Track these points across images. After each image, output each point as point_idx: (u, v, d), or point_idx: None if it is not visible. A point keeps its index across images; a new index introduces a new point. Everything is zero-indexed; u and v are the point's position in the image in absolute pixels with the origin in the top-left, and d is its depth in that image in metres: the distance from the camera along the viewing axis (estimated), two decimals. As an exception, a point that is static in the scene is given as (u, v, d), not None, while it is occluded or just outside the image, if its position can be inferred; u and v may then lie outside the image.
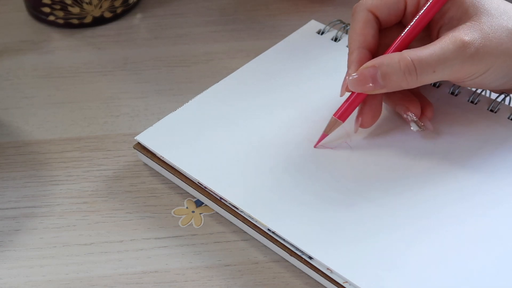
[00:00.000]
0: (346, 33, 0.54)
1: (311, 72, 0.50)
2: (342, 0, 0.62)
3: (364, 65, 0.42)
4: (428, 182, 0.42)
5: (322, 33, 0.54)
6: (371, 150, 0.44)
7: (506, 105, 0.47)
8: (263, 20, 0.61)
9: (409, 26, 0.43)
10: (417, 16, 0.43)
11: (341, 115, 0.44)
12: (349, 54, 0.44)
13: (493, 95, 0.48)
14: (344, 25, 0.54)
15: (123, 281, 0.40)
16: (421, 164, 0.43)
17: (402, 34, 0.43)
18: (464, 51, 0.40)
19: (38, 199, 0.45)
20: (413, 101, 0.44)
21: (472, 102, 0.47)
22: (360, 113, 0.44)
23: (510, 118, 0.46)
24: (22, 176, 0.46)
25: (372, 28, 0.44)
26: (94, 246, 0.42)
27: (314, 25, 0.55)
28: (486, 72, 0.41)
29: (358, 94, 0.43)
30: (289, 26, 0.59)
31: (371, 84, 0.41)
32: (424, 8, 0.43)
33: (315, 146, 0.45)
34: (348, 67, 0.43)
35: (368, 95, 0.43)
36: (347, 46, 0.52)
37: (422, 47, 0.41)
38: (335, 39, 0.53)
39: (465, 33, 0.40)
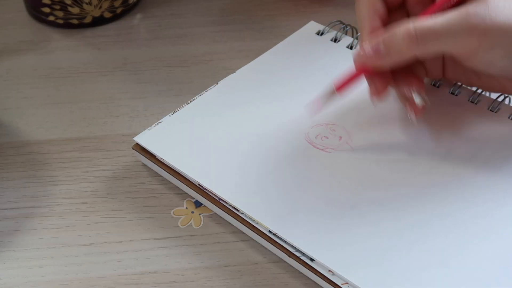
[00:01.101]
0: (346, 34, 0.54)
1: (311, 73, 0.50)
2: (341, 0, 0.62)
3: (370, 40, 0.42)
4: (429, 182, 0.42)
5: (322, 34, 0.54)
6: (372, 151, 0.44)
7: (506, 104, 0.47)
8: (263, 20, 0.61)
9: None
10: None
11: (339, 87, 0.43)
12: (361, 29, 0.44)
13: (493, 95, 0.47)
14: (343, 26, 0.54)
15: (123, 282, 0.40)
16: (422, 164, 0.43)
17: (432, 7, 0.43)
18: (468, 23, 0.40)
19: (38, 199, 0.45)
20: (415, 77, 0.44)
21: (472, 102, 0.47)
22: (372, 86, 0.44)
23: (510, 117, 0.46)
24: (22, 177, 0.46)
25: (380, 3, 0.44)
26: (94, 247, 0.42)
27: (313, 26, 0.55)
28: (491, 49, 0.41)
29: (360, 70, 0.43)
30: (289, 26, 0.59)
31: (375, 57, 0.42)
32: None
33: (309, 109, 0.44)
34: (362, 40, 0.43)
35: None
36: (347, 47, 0.53)
37: (428, 18, 0.41)
38: (335, 40, 0.53)
39: (471, 7, 0.40)
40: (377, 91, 0.44)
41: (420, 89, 0.44)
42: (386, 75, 0.44)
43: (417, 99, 0.43)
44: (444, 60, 0.46)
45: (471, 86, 0.47)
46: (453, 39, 0.40)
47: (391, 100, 0.47)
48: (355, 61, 0.43)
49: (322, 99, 0.43)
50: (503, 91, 0.46)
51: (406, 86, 0.44)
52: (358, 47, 0.43)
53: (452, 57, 0.43)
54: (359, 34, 0.51)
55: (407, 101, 0.45)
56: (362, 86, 0.49)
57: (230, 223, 0.43)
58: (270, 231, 0.40)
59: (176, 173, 0.44)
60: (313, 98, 0.44)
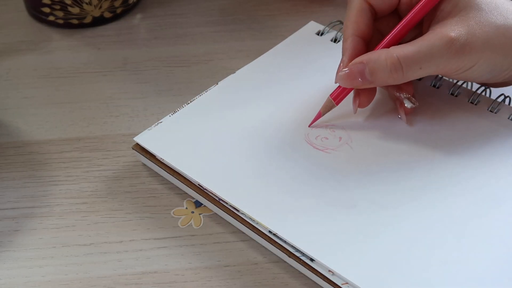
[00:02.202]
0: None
1: (311, 73, 0.50)
2: (342, 0, 0.62)
3: (353, 61, 0.42)
4: (430, 183, 0.42)
5: (322, 34, 0.54)
6: (372, 151, 0.44)
7: (506, 105, 0.47)
8: (263, 20, 0.61)
9: (403, 21, 0.43)
10: (412, 12, 0.43)
11: (335, 97, 0.45)
12: (343, 41, 0.45)
13: (493, 96, 0.47)
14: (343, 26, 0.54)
15: (123, 282, 0.40)
16: (422, 165, 0.43)
17: (395, 29, 0.43)
18: (450, 48, 0.40)
19: (38, 199, 0.45)
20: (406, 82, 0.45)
21: (472, 102, 0.47)
22: (356, 95, 0.45)
23: (510, 118, 0.46)
24: (22, 177, 0.46)
25: (366, 16, 0.44)
26: (94, 247, 0.42)
27: (313, 26, 0.55)
28: (472, 67, 0.42)
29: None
30: (289, 26, 0.59)
31: (360, 80, 0.42)
32: (419, 4, 0.43)
33: (309, 126, 0.46)
34: (342, 54, 0.44)
35: None
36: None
37: (409, 43, 0.41)
38: (335, 40, 0.53)
39: (451, 29, 0.41)
40: (360, 103, 0.45)
41: (409, 92, 0.44)
42: (372, 89, 0.45)
43: (407, 104, 0.44)
44: None
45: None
46: (436, 67, 0.41)
47: (391, 102, 0.47)
48: (340, 81, 0.43)
49: (322, 111, 0.45)
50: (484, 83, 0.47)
51: (396, 90, 0.45)
52: (340, 67, 0.44)
53: None
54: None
55: (398, 100, 0.45)
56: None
57: (230, 223, 0.43)
58: (270, 231, 0.40)
59: (176, 173, 0.44)
60: (313, 114, 0.46)
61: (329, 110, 0.45)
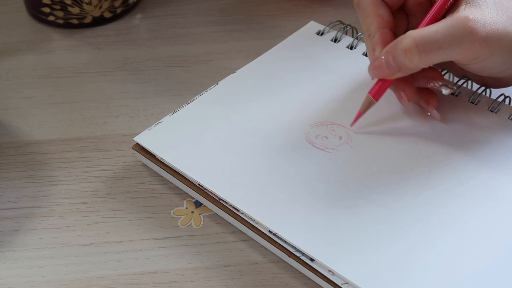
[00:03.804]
0: (346, 34, 0.54)
1: (311, 73, 0.50)
2: (342, 0, 0.62)
3: (381, 52, 0.42)
4: (430, 183, 0.42)
5: (322, 34, 0.54)
6: (372, 151, 0.44)
7: (506, 105, 0.47)
8: (263, 20, 0.61)
9: (434, 7, 0.43)
10: None
11: (374, 94, 0.44)
12: (371, 37, 0.44)
13: (494, 96, 0.47)
14: (343, 25, 0.54)
15: (123, 282, 0.40)
16: (422, 165, 0.43)
17: (427, 16, 0.43)
18: (470, 28, 0.40)
19: (38, 199, 0.45)
20: (433, 69, 0.45)
21: (472, 102, 0.47)
22: (399, 92, 0.44)
23: (510, 118, 0.46)
24: (22, 177, 0.46)
25: (384, 8, 0.44)
26: (94, 247, 0.42)
27: (313, 26, 0.55)
28: (490, 57, 0.41)
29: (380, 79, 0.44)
30: (289, 26, 0.59)
31: (386, 68, 0.42)
32: None
33: (351, 125, 0.45)
34: (373, 50, 0.44)
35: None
36: (347, 47, 0.53)
37: (428, 26, 0.41)
38: (335, 40, 0.53)
39: (469, 12, 0.40)
40: (406, 97, 0.44)
41: (441, 79, 0.44)
42: (408, 78, 0.44)
43: (445, 90, 0.44)
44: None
45: (476, 82, 0.48)
46: (456, 47, 0.40)
47: (391, 101, 0.47)
48: (370, 73, 0.43)
49: (362, 109, 0.45)
50: (498, 86, 0.47)
51: (427, 81, 0.44)
52: (370, 59, 0.44)
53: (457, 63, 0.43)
54: (360, 34, 0.52)
55: (423, 99, 0.45)
56: (362, 87, 0.49)
57: (230, 223, 0.43)
58: (270, 231, 0.40)
59: (176, 173, 0.44)
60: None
61: (369, 108, 0.44)
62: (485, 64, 0.42)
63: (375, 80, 0.44)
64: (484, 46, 0.40)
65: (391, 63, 0.42)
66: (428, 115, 0.46)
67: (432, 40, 0.40)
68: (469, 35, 0.40)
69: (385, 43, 0.43)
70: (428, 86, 0.45)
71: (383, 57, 0.42)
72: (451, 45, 0.40)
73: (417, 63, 0.41)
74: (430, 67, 0.45)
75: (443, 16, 0.43)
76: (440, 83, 0.44)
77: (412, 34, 0.41)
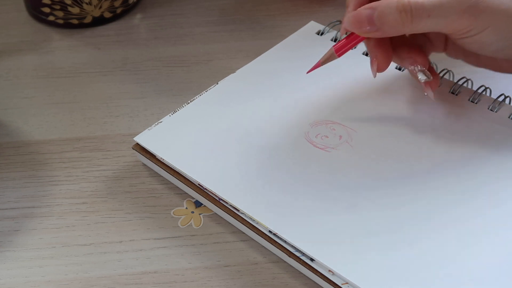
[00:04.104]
0: (346, 33, 0.53)
1: (311, 72, 0.50)
2: (342, 0, 0.62)
3: (363, 7, 0.42)
4: (429, 182, 0.42)
5: (322, 34, 0.54)
6: (372, 150, 0.44)
7: (506, 104, 0.47)
8: (263, 20, 0.61)
9: None
10: None
11: (338, 49, 0.44)
12: None
13: (494, 95, 0.47)
14: (344, 25, 0.53)
15: (123, 282, 0.40)
16: (422, 164, 0.43)
17: None
18: (461, 2, 0.39)
19: (38, 199, 0.45)
20: (420, 53, 0.44)
21: (472, 101, 0.47)
22: (373, 58, 0.44)
23: (510, 117, 0.46)
24: (22, 177, 0.46)
25: None
26: (94, 247, 0.42)
27: (313, 26, 0.55)
28: (484, 30, 0.41)
29: (354, 36, 0.43)
30: (289, 26, 0.59)
31: (367, 26, 0.41)
32: None
33: (307, 72, 0.45)
34: (347, 6, 0.43)
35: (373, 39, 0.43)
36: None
37: None
38: (335, 40, 0.53)
39: None
40: (379, 67, 0.44)
41: (425, 65, 0.44)
42: (387, 47, 0.44)
43: (421, 76, 0.43)
44: (446, 36, 0.46)
45: (471, 64, 0.47)
46: (445, 19, 0.40)
47: (391, 101, 0.47)
48: (345, 25, 0.43)
49: (321, 60, 0.44)
50: (499, 70, 0.46)
51: (410, 62, 0.44)
52: (348, 11, 0.43)
53: (449, 37, 0.43)
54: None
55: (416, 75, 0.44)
56: (362, 86, 0.49)
57: (230, 223, 0.43)
58: (270, 231, 0.40)
59: (176, 173, 0.44)
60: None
61: (328, 61, 0.44)
62: (480, 38, 0.41)
63: (341, 34, 0.44)
64: (474, 19, 0.40)
65: (375, 19, 0.41)
66: (425, 94, 0.45)
67: (425, 6, 0.40)
68: (458, 5, 0.39)
69: (359, 4, 0.43)
70: (409, 68, 0.44)
71: (366, 11, 0.41)
72: (439, 16, 0.40)
73: (406, 26, 0.41)
74: (417, 49, 0.44)
75: None
76: (419, 68, 0.43)
77: None
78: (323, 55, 0.44)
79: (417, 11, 0.40)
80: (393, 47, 0.44)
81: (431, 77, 0.44)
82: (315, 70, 0.50)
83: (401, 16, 0.40)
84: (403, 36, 0.45)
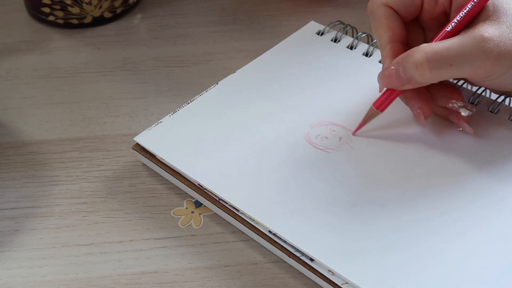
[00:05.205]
0: (346, 34, 0.54)
1: (311, 73, 0.50)
2: (342, 0, 0.62)
3: (392, 62, 0.42)
4: (429, 182, 0.42)
5: (322, 34, 0.54)
6: (372, 151, 0.44)
7: (506, 105, 0.47)
8: (263, 20, 0.61)
9: (453, 22, 0.42)
10: (462, 13, 0.42)
11: (379, 105, 0.44)
12: (381, 50, 0.44)
13: (493, 96, 0.47)
14: (344, 26, 0.54)
15: (123, 282, 0.40)
16: (422, 164, 0.43)
17: (442, 31, 0.42)
18: (484, 48, 0.39)
19: (38, 199, 0.45)
20: (454, 89, 0.44)
21: (472, 103, 0.47)
22: (416, 110, 0.44)
23: (510, 119, 0.46)
24: (22, 177, 0.46)
25: (397, 20, 0.43)
26: (94, 247, 0.42)
27: (313, 26, 0.55)
28: (503, 74, 0.41)
29: (390, 90, 0.43)
30: (288, 26, 0.59)
31: (396, 79, 0.42)
32: (468, 7, 0.41)
33: (353, 134, 0.45)
34: (383, 62, 0.44)
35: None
36: (347, 47, 0.53)
37: (441, 41, 0.41)
38: (335, 40, 0.53)
39: (484, 30, 0.40)
40: (424, 113, 0.43)
41: (460, 100, 0.43)
42: (425, 95, 0.44)
43: (464, 112, 0.43)
44: None
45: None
46: (468, 65, 0.40)
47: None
48: (380, 81, 0.43)
49: (364, 120, 0.45)
50: (503, 92, 0.46)
51: (445, 99, 0.44)
52: (382, 67, 0.44)
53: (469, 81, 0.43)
54: (360, 34, 0.52)
55: (451, 113, 0.44)
56: (362, 88, 0.49)
57: (230, 223, 0.43)
58: (270, 231, 0.40)
59: (176, 173, 0.44)
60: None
61: (371, 119, 0.44)
62: (499, 81, 0.41)
63: (380, 92, 0.44)
64: (497, 65, 0.40)
65: (401, 74, 0.41)
66: (460, 130, 0.45)
67: (444, 56, 0.39)
68: (481, 54, 0.39)
69: (395, 57, 0.42)
70: (447, 106, 0.44)
71: (393, 67, 0.42)
72: (463, 64, 0.40)
73: (427, 78, 0.40)
74: (451, 87, 0.44)
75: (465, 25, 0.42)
76: (459, 104, 0.43)
77: (424, 48, 0.40)
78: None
79: (436, 63, 0.40)
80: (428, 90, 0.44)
81: (474, 109, 0.43)
82: (315, 73, 0.50)
83: (417, 70, 0.40)
84: None
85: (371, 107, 0.44)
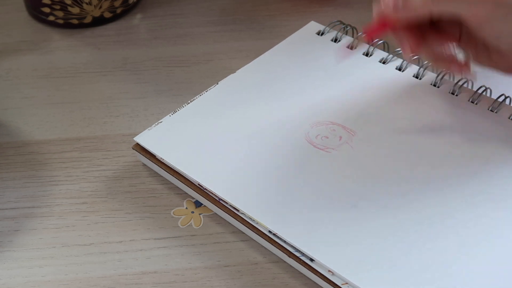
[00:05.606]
0: (346, 34, 0.54)
1: (311, 73, 0.50)
2: (342, 0, 0.62)
3: None
4: (430, 182, 0.42)
5: (322, 34, 0.54)
6: (372, 151, 0.44)
7: (506, 105, 0.47)
8: (263, 20, 0.61)
9: None
10: None
11: (368, 31, 0.43)
12: None
13: (494, 95, 0.47)
14: (344, 26, 0.54)
15: (123, 282, 0.40)
16: (422, 164, 0.43)
17: None
18: None
19: (38, 199, 0.45)
20: (448, 35, 0.44)
21: (472, 102, 0.47)
22: (404, 42, 0.43)
23: (510, 118, 0.46)
24: (22, 177, 0.46)
25: None
26: (94, 247, 0.42)
27: (314, 26, 0.55)
28: (504, 20, 0.40)
29: (382, 22, 0.43)
30: (289, 26, 0.59)
31: (392, 7, 0.41)
32: None
33: (338, 55, 0.45)
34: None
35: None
36: (347, 47, 0.52)
37: None
38: (335, 40, 0.53)
39: None
40: (410, 49, 0.43)
41: (457, 44, 0.43)
42: (415, 32, 0.43)
43: (460, 55, 0.43)
44: (461, 27, 0.45)
45: (480, 63, 0.46)
46: (467, 2, 0.40)
47: (391, 102, 0.47)
48: (375, 12, 0.42)
49: (350, 44, 0.44)
50: (509, 70, 0.45)
51: (442, 44, 0.44)
52: None
53: (466, 25, 0.43)
54: (360, 34, 0.52)
55: (446, 62, 0.44)
56: (362, 88, 0.49)
57: (230, 223, 0.43)
58: (270, 231, 0.40)
59: (176, 173, 0.44)
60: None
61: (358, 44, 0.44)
62: (497, 28, 0.41)
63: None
64: (496, 8, 0.39)
65: (399, 2, 0.41)
66: (463, 78, 0.45)
67: None
68: None
69: None
70: (443, 50, 0.44)
71: None
72: None
73: (428, 6, 0.40)
74: (446, 34, 0.44)
75: None
76: (454, 46, 0.43)
77: None
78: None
79: None
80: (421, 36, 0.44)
81: (471, 56, 0.43)
82: (315, 72, 0.50)
83: None
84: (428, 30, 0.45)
85: (361, 33, 0.44)
